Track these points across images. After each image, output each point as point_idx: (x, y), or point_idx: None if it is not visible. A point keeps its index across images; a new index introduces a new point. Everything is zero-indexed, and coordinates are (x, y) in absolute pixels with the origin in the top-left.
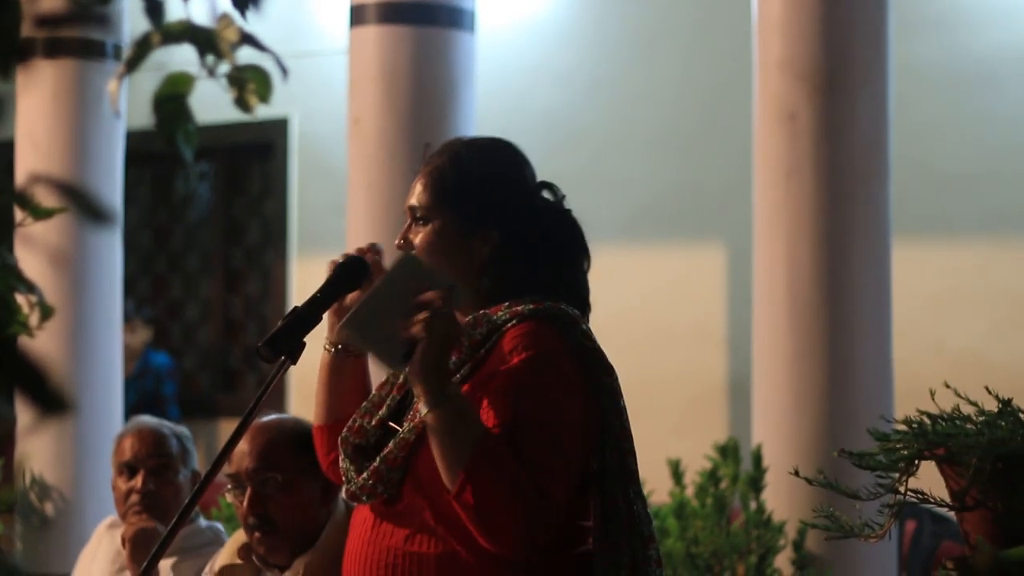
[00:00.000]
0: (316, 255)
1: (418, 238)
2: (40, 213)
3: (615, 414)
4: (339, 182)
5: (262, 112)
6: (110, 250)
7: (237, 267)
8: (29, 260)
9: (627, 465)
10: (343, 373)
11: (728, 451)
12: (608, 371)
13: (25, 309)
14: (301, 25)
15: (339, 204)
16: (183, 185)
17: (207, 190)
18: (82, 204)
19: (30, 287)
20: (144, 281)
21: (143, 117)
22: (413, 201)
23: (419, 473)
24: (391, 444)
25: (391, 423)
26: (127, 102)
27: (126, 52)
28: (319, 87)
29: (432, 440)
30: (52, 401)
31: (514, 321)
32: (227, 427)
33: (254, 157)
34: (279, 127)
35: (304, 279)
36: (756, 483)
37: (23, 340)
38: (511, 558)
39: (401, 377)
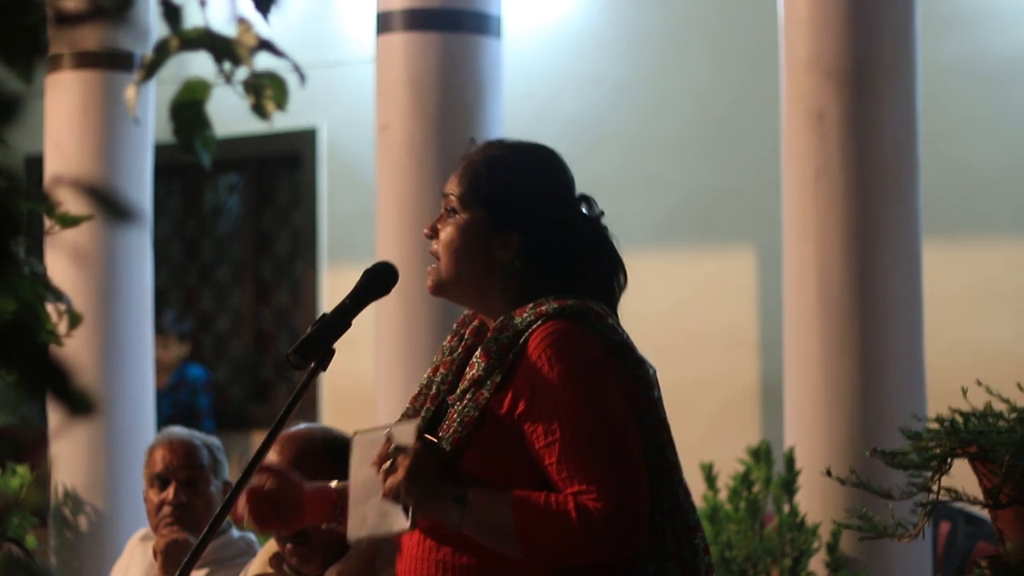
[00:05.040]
0: (346, 265)
1: (445, 230)
2: (68, 221)
3: (650, 404)
4: (368, 191)
5: (290, 122)
6: (140, 258)
7: (267, 278)
8: (58, 267)
9: (666, 455)
10: None
11: (761, 454)
12: (639, 363)
13: (54, 317)
14: (327, 35)
15: (368, 213)
16: (212, 197)
17: (236, 202)
18: (106, 203)
19: (58, 295)
20: (176, 293)
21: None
22: (448, 189)
23: (460, 484)
24: None
25: (427, 436)
26: (155, 114)
27: (145, 58)
28: (347, 96)
29: (480, 539)
30: (79, 402)
31: (539, 322)
32: (260, 438)
33: (283, 168)
34: (307, 137)
35: (334, 289)
36: (789, 486)
37: (51, 347)
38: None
39: (434, 388)
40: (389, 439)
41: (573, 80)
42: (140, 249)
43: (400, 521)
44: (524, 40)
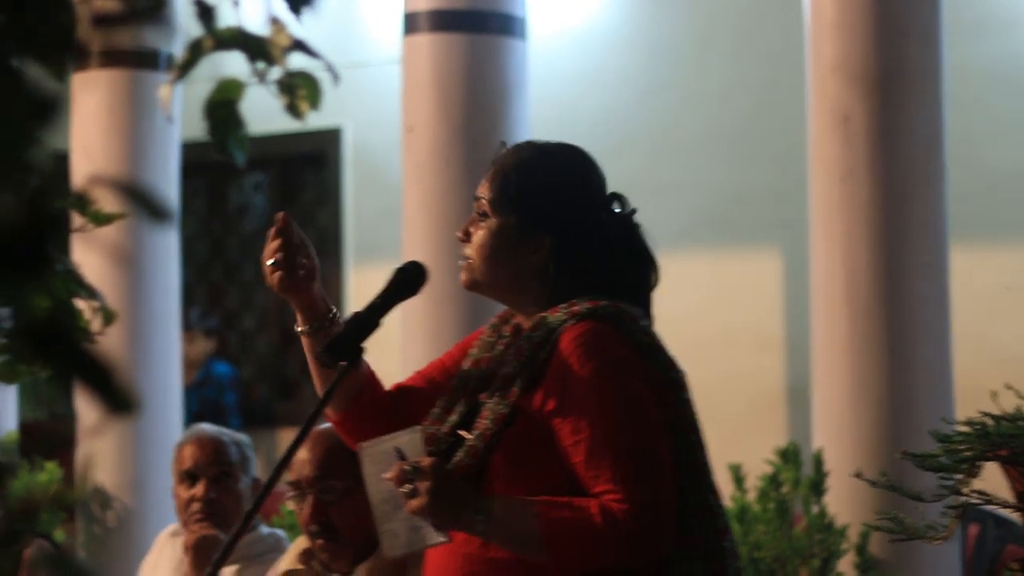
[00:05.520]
0: (371, 264)
1: (477, 234)
2: (101, 219)
3: (681, 406)
4: (393, 191)
5: (315, 122)
6: (167, 255)
7: None
8: (89, 265)
9: (696, 458)
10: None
11: (789, 455)
12: (670, 365)
13: (87, 314)
14: (354, 35)
15: (393, 213)
16: (238, 195)
17: (262, 200)
18: (140, 201)
19: (91, 292)
20: (201, 291)
21: (198, 128)
22: (480, 192)
23: (491, 480)
24: (460, 452)
25: (460, 431)
26: (181, 113)
27: (178, 57)
28: (372, 97)
29: (508, 548)
30: (119, 399)
31: (571, 321)
32: (286, 436)
33: (308, 167)
34: (332, 137)
35: (359, 288)
36: (818, 487)
37: (91, 345)
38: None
39: (470, 384)
40: (400, 453)
41: (598, 82)
42: (167, 247)
43: (433, 535)
44: (549, 42)
